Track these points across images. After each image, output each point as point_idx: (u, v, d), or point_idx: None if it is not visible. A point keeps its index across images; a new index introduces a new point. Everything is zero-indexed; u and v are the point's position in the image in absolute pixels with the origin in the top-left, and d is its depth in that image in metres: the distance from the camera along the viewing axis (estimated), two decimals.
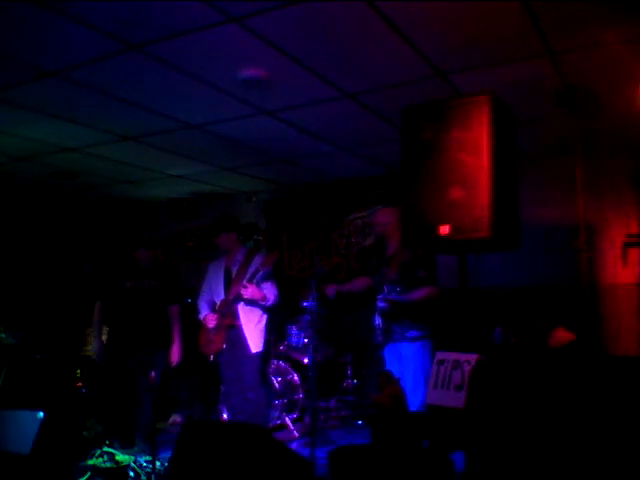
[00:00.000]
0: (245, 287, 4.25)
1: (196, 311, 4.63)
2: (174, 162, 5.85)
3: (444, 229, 2.86)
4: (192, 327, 5.28)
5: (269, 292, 4.40)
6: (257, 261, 4.39)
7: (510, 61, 3.60)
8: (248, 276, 4.31)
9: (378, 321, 4.00)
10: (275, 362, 5.63)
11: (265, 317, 4.51)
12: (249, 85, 3.90)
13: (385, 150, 5.45)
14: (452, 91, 4.00)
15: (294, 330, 5.86)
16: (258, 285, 4.34)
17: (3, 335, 5.11)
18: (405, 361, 3.89)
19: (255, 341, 4.39)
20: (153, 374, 4.04)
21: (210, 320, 4.40)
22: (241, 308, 4.38)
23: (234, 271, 4.48)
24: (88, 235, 7.75)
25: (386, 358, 4.15)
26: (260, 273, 4.33)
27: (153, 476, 3.63)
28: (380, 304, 3.93)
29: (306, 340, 5.72)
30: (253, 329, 4.41)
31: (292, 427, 5.23)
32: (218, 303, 4.47)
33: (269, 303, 4.40)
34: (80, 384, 5.05)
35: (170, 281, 4.66)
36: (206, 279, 4.67)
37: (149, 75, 3.76)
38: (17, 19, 3.03)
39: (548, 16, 3.05)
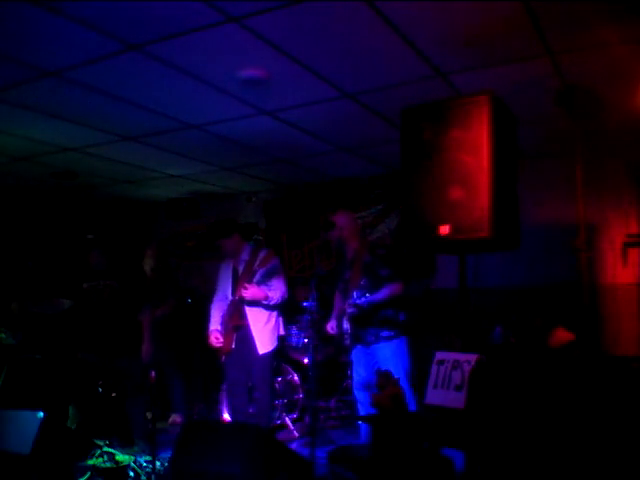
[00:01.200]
0: (245, 288, 4.25)
1: (202, 313, 4.64)
2: (174, 162, 5.85)
3: (444, 229, 2.87)
4: (193, 327, 5.29)
5: (274, 290, 4.36)
6: (259, 259, 4.38)
7: (510, 61, 3.59)
8: (251, 275, 4.32)
9: (346, 325, 3.97)
10: (275, 362, 5.63)
11: (275, 315, 4.49)
12: (249, 85, 3.89)
13: (385, 150, 5.45)
14: (452, 91, 4.00)
15: (294, 330, 5.86)
16: (262, 283, 4.33)
17: (3, 335, 5.11)
18: (384, 361, 3.85)
19: (263, 341, 4.36)
20: (153, 374, 4.05)
21: (214, 340, 4.40)
22: (248, 308, 4.37)
23: (240, 270, 4.47)
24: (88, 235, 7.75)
25: (354, 362, 4.12)
26: (260, 272, 4.32)
27: (153, 476, 3.63)
28: (349, 309, 3.90)
29: (306, 340, 5.72)
30: (262, 329, 4.38)
31: (292, 427, 5.23)
32: (228, 304, 4.46)
33: (272, 302, 4.36)
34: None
35: (131, 282, 4.68)
36: (218, 281, 4.66)
37: (149, 75, 3.75)
38: (17, 19, 3.02)
39: (548, 16, 3.05)
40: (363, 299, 3.86)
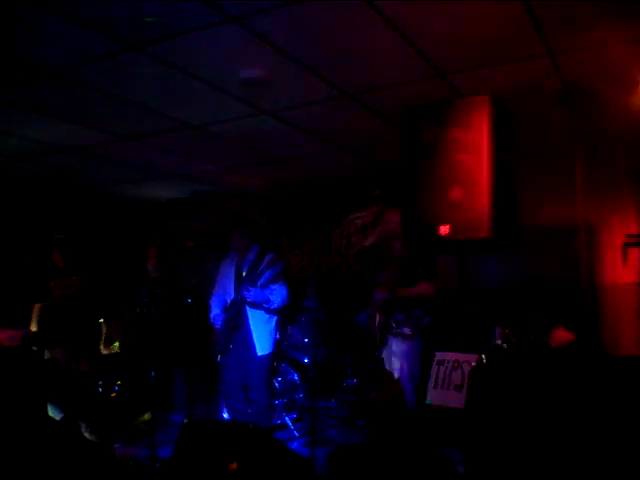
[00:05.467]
0: (248, 290, 4.25)
1: (207, 310, 4.65)
2: (174, 162, 5.85)
3: (444, 229, 2.87)
4: (194, 326, 5.29)
5: (276, 294, 4.36)
6: (266, 262, 4.38)
7: (510, 61, 3.59)
8: (256, 277, 4.32)
9: (378, 319, 3.99)
10: (275, 362, 5.63)
11: (275, 319, 4.48)
12: (249, 85, 3.89)
13: (385, 150, 5.44)
14: (452, 91, 4.00)
15: (294, 330, 5.85)
16: (266, 287, 4.33)
17: (3, 335, 5.12)
18: (394, 357, 3.86)
19: (262, 343, 4.36)
20: (153, 374, 4.07)
21: (217, 321, 4.40)
22: (250, 309, 4.36)
23: (244, 271, 4.46)
24: (88, 235, 7.74)
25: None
26: (266, 275, 4.32)
27: (153, 476, 3.63)
28: (377, 296, 3.92)
29: (306, 340, 5.72)
30: (262, 331, 4.37)
31: (292, 427, 5.23)
32: (229, 302, 4.46)
33: (274, 306, 4.35)
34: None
35: (99, 277, 5.02)
36: (218, 277, 4.65)
37: (149, 75, 3.75)
38: (17, 19, 3.02)
39: (548, 16, 3.05)
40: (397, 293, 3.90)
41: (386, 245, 4.26)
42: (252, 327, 4.34)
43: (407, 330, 3.91)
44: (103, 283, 4.99)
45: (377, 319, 4.02)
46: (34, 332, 4.94)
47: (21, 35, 3.21)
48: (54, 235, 5.06)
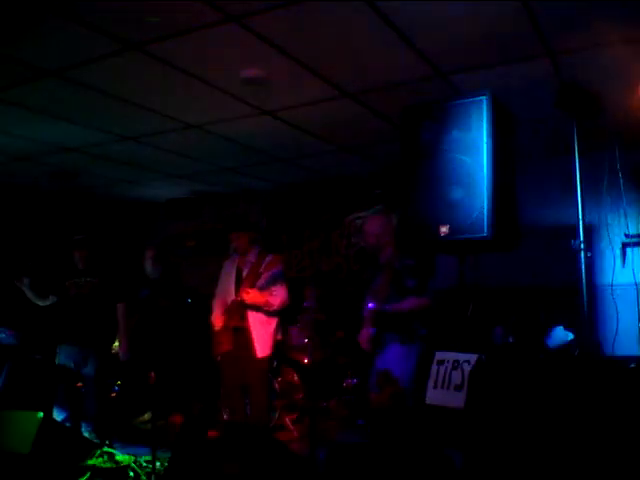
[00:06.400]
0: (247, 292, 4.24)
1: (207, 310, 4.64)
2: (174, 162, 5.85)
3: (443, 229, 2.87)
4: (194, 326, 5.29)
5: (275, 296, 4.34)
6: (265, 263, 4.37)
7: (510, 61, 3.60)
8: (254, 279, 4.31)
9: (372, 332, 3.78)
10: (275, 362, 5.63)
11: (275, 320, 4.47)
12: (249, 85, 3.90)
13: (385, 150, 5.45)
14: (452, 91, 4.00)
15: (294, 330, 5.85)
16: (265, 288, 4.32)
17: (3, 335, 5.13)
18: (389, 364, 3.79)
19: (263, 345, 4.34)
20: (153, 374, 4.07)
21: (217, 322, 4.41)
22: (250, 311, 4.34)
23: (245, 272, 4.46)
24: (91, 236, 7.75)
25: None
26: (265, 276, 4.31)
27: (153, 476, 3.63)
28: (365, 314, 3.77)
29: (306, 340, 5.71)
30: (262, 332, 4.36)
31: (292, 427, 5.23)
32: (229, 303, 4.47)
33: (272, 308, 4.34)
34: (80, 384, 5.07)
35: (112, 279, 4.93)
36: (220, 278, 4.64)
37: (149, 75, 3.76)
38: (17, 19, 3.03)
39: (548, 16, 3.05)
40: (387, 306, 3.68)
41: (374, 255, 4.05)
42: (252, 329, 4.34)
43: (401, 339, 3.80)
44: (114, 285, 4.97)
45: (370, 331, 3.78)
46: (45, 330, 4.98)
47: (21, 35, 3.21)
48: (72, 236, 5.04)
